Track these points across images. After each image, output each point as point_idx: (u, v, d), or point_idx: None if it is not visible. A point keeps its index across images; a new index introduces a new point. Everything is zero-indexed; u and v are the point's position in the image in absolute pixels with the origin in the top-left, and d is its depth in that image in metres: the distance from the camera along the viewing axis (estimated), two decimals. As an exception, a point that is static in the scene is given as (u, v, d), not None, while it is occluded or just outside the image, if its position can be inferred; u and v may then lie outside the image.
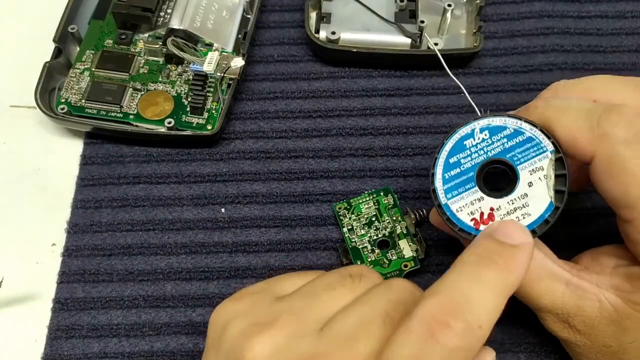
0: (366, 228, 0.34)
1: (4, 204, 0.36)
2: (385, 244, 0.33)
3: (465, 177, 0.25)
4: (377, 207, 0.34)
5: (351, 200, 0.35)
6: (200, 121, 0.37)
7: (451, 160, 0.25)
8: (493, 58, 0.40)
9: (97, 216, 0.35)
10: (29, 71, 0.38)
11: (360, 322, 0.23)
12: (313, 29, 0.40)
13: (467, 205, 0.25)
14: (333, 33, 0.39)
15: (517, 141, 0.25)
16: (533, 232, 0.25)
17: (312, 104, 0.39)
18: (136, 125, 0.37)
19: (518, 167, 0.25)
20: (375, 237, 0.33)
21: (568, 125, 0.25)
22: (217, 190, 0.36)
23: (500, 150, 0.25)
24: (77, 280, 0.33)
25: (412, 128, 0.38)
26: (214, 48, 0.38)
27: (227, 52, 0.38)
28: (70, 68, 0.38)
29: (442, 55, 0.39)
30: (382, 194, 0.35)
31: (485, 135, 0.25)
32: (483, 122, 0.26)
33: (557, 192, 0.25)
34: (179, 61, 0.38)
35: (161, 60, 0.38)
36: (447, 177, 0.25)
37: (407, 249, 0.33)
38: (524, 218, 0.25)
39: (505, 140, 0.25)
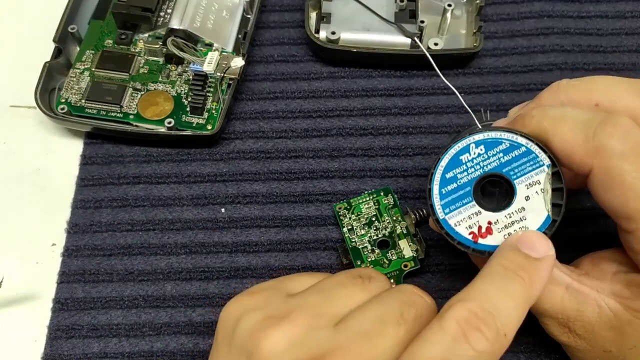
0: (366, 228, 0.34)
1: (4, 204, 0.36)
2: (385, 244, 0.33)
3: (462, 191, 0.25)
4: (377, 207, 0.34)
5: (351, 200, 0.35)
6: (200, 121, 0.37)
7: (447, 176, 0.25)
8: (493, 58, 0.40)
9: (97, 216, 0.35)
10: (29, 71, 0.38)
11: (376, 320, 0.24)
12: (313, 29, 0.40)
13: (464, 220, 0.25)
14: (333, 33, 0.39)
15: (513, 155, 0.25)
16: None
17: (312, 104, 0.39)
18: (136, 125, 0.37)
19: (515, 182, 0.25)
20: (375, 237, 0.33)
21: (564, 137, 0.24)
22: (217, 190, 0.36)
23: (496, 164, 0.25)
24: (77, 280, 0.33)
25: (412, 128, 0.38)
26: (214, 48, 0.38)
27: (227, 52, 0.38)
28: (70, 68, 0.38)
29: (442, 55, 0.39)
30: (382, 194, 0.35)
31: (481, 150, 0.25)
32: (478, 137, 0.25)
33: (554, 205, 0.25)
34: (179, 61, 0.38)
35: (161, 60, 0.38)
36: (444, 192, 0.25)
37: (407, 249, 0.33)
38: (521, 231, 0.25)
39: (501, 154, 0.25)
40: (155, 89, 0.38)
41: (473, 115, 0.28)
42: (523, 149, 0.25)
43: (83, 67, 0.38)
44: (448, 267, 0.33)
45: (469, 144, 0.25)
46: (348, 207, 0.35)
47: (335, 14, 0.40)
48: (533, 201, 0.25)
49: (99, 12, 0.40)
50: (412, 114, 0.38)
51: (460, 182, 0.25)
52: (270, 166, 0.37)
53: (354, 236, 0.33)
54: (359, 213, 0.34)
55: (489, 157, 0.25)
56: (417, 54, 0.39)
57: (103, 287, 0.33)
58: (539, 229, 0.25)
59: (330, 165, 0.37)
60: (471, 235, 0.25)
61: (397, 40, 0.39)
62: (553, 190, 0.25)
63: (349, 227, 0.34)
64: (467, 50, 0.39)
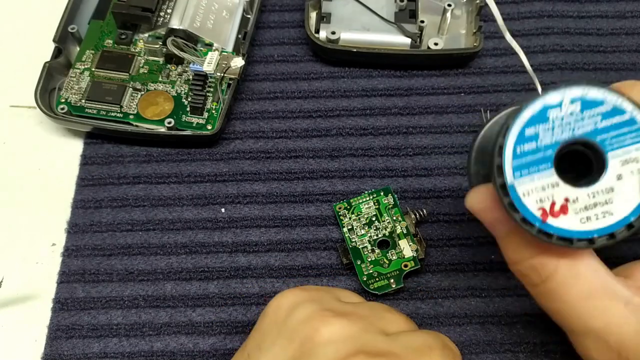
0: (366, 228, 0.34)
1: (4, 203, 0.36)
2: (385, 244, 0.33)
3: (542, 155, 0.21)
4: (377, 207, 0.34)
5: (351, 200, 0.35)
6: (200, 121, 0.37)
7: (527, 132, 0.21)
8: (493, 58, 0.40)
9: (97, 216, 0.35)
10: (29, 71, 0.38)
11: (424, 343, 0.25)
12: (313, 29, 0.40)
13: (536, 190, 0.20)
14: (333, 33, 0.39)
15: (614, 122, 0.21)
16: (612, 235, 0.21)
17: (312, 104, 0.39)
18: (136, 125, 0.37)
19: (608, 154, 0.21)
20: (375, 237, 0.33)
21: None
22: (217, 190, 0.36)
23: (590, 129, 0.21)
24: (77, 280, 0.33)
25: (412, 128, 0.38)
26: (214, 48, 0.38)
27: (227, 52, 0.38)
28: (70, 68, 0.38)
29: (442, 55, 0.39)
30: (382, 193, 0.35)
31: (576, 107, 0.21)
32: (576, 92, 0.21)
33: None
34: (179, 61, 0.38)
35: (161, 60, 0.38)
36: (519, 151, 0.21)
37: (407, 249, 0.33)
38: (603, 217, 0.20)
39: (599, 118, 0.21)
40: (155, 89, 0.38)
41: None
42: (627, 116, 0.21)
43: (83, 67, 0.38)
44: (448, 267, 0.33)
45: (562, 99, 0.21)
46: (348, 207, 0.35)
47: (335, 13, 0.40)
48: (626, 181, 0.20)
49: (99, 12, 0.40)
50: (412, 114, 0.38)
51: (541, 142, 0.21)
52: (270, 166, 0.37)
53: (354, 236, 0.33)
54: (359, 213, 0.34)
55: (583, 119, 0.21)
56: (417, 54, 0.39)
57: (103, 287, 0.33)
58: (625, 218, 0.20)
59: (330, 165, 0.37)
60: (540, 212, 0.20)
61: (397, 40, 0.39)
62: None
63: (349, 227, 0.34)
64: (467, 50, 0.39)
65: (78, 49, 0.39)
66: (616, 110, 0.20)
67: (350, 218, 0.34)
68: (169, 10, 0.40)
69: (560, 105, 0.21)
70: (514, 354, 0.31)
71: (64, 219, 0.35)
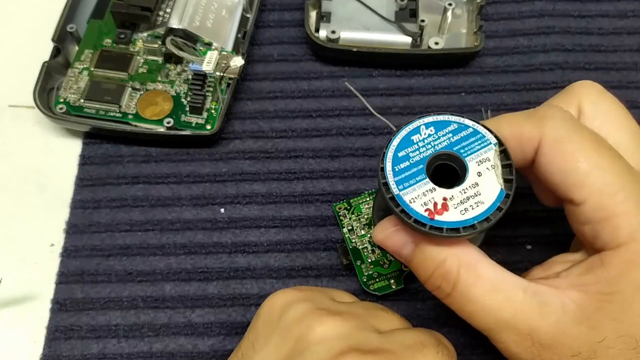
0: (366, 228, 0.34)
1: (3, 204, 0.36)
2: (386, 244, 0.33)
3: (415, 169, 0.25)
4: (377, 207, 0.34)
5: (351, 200, 0.35)
6: (200, 121, 0.36)
7: (400, 154, 0.26)
8: (494, 57, 0.40)
9: (96, 216, 0.35)
10: (27, 71, 0.38)
11: (418, 340, 0.25)
12: (313, 28, 0.39)
13: (419, 197, 0.25)
14: (333, 32, 0.39)
15: (462, 135, 0.26)
16: (487, 219, 0.24)
17: (312, 104, 0.39)
18: (135, 125, 0.36)
19: (466, 159, 0.25)
20: (375, 238, 0.33)
21: (510, 119, 0.26)
22: (217, 191, 0.36)
23: (447, 144, 0.26)
24: (75, 281, 0.33)
25: (413, 128, 0.38)
26: (213, 47, 0.38)
27: (226, 52, 0.38)
28: (69, 67, 0.38)
29: (443, 54, 0.39)
30: (382, 194, 0.35)
31: (431, 130, 0.26)
32: (428, 119, 0.27)
33: (505, 181, 0.25)
34: (178, 60, 0.38)
35: (160, 59, 0.38)
36: (397, 169, 0.25)
37: (407, 249, 0.33)
38: (477, 206, 0.25)
39: (450, 135, 0.26)
40: (154, 88, 0.37)
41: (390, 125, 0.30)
42: (470, 129, 0.26)
43: (82, 66, 0.38)
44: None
45: (420, 126, 0.26)
46: (348, 207, 0.34)
47: (335, 13, 0.40)
48: (485, 177, 0.25)
49: (97, 11, 0.40)
50: (412, 113, 0.38)
51: (412, 160, 0.26)
52: (270, 166, 0.37)
53: (354, 236, 0.33)
54: (359, 213, 0.34)
55: (439, 137, 0.26)
56: (417, 54, 0.39)
57: (102, 288, 0.33)
58: (493, 204, 0.24)
59: (330, 165, 0.36)
60: (427, 212, 0.25)
61: (397, 39, 0.39)
62: (502, 166, 0.25)
63: (349, 228, 0.34)
64: (468, 49, 0.39)
65: (77, 48, 0.39)
66: (461, 127, 0.26)
67: (350, 218, 0.34)
68: (168, 10, 0.39)
69: (419, 130, 0.26)
70: (515, 355, 0.31)
71: (63, 220, 0.35)
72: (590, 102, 0.27)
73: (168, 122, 0.36)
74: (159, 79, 0.38)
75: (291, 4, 0.42)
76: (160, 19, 0.39)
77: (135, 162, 0.37)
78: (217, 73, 0.36)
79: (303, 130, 0.38)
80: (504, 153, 0.25)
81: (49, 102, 0.37)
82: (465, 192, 0.25)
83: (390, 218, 0.26)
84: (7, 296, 0.33)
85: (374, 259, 0.33)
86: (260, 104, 0.39)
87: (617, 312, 0.23)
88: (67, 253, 0.34)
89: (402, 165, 0.25)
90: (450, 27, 0.40)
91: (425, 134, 0.26)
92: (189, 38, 0.37)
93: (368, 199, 0.35)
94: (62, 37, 0.38)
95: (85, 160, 0.37)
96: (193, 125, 0.36)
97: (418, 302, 0.32)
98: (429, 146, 0.26)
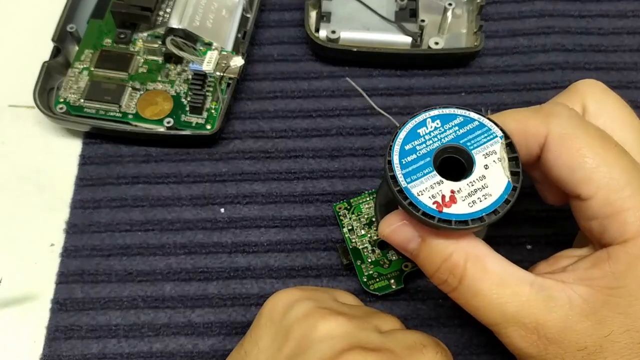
0: (366, 228, 0.34)
1: (3, 204, 0.36)
2: (386, 244, 0.33)
3: (423, 162, 0.25)
4: (377, 207, 0.34)
5: (351, 200, 0.35)
6: (200, 121, 0.36)
7: (406, 147, 0.26)
8: (494, 57, 0.40)
9: (96, 216, 0.35)
10: (27, 71, 0.38)
11: (417, 341, 0.26)
12: (313, 28, 0.39)
13: (427, 189, 0.25)
14: (333, 32, 0.39)
15: (468, 128, 0.26)
16: (495, 212, 0.24)
17: (312, 104, 0.39)
18: (135, 125, 0.36)
19: (472, 152, 0.25)
20: (375, 238, 0.33)
21: (516, 115, 0.26)
22: (217, 190, 0.36)
23: (453, 137, 0.26)
24: (75, 281, 0.33)
25: (413, 128, 0.38)
26: (213, 47, 0.38)
27: (226, 52, 0.38)
28: (69, 67, 0.38)
29: (443, 54, 0.39)
30: (382, 194, 0.35)
31: (437, 124, 0.26)
32: (434, 113, 0.27)
33: (512, 173, 0.25)
34: (178, 60, 0.38)
35: (160, 59, 0.38)
36: (404, 162, 0.25)
37: (407, 249, 0.33)
38: (485, 199, 0.25)
39: (456, 128, 0.26)
40: (154, 88, 0.37)
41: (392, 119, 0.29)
42: (476, 122, 0.26)
43: (82, 66, 0.38)
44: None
45: (426, 119, 0.26)
46: (348, 207, 0.34)
47: (335, 13, 0.40)
48: (492, 169, 0.25)
49: (97, 11, 0.40)
50: (412, 113, 0.38)
51: (419, 153, 0.25)
52: (270, 166, 0.37)
53: (354, 236, 0.33)
54: (359, 213, 0.34)
55: (445, 130, 0.26)
56: (417, 53, 0.39)
57: (102, 288, 0.33)
58: (501, 196, 0.25)
59: (330, 165, 0.36)
60: (435, 205, 0.24)
61: (397, 39, 0.39)
62: (509, 159, 0.25)
63: (349, 228, 0.34)
64: (468, 49, 0.39)
65: (77, 48, 0.39)
66: (467, 120, 0.26)
67: (350, 218, 0.34)
68: (168, 10, 0.39)
69: (425, 124, 0.26)
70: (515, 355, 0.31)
71: (63, 219, 0.35)
72: (594, 100, 0.27)
73: (168, 122, 0.36)
74: (159, 79, 0.38)
75: (291, 4, 0.42)
76: (160, 19, 0.39)
77: (135, 162, 0.37)
78: (217, 73, 0.36)
79: (303, 130, 0.38)
80: (510, 146, 0.25)
81: (49, 102, 0.37)
82: (472, 185, 0.25)
83: (396, 212, 0.26)
84: (7, 296, 0.33)
85: (374, 259, 0.33)
86: (260, 104, 0.39)
87: (623, 306, 0.23)
88: (67, 253, 0.34)
89: (409, 158, 0.25)
90: (450, 27, 0.40)
91: (431, 127, 0.26)
92: (189, 38, 0.37)
93: (368, 198, 0.35)
94: (62, 37, 0.38)
95: (85, 160, 0.37)
96: (193, 125, 0.36)
97: (418, 302, 0.32)
98: (436, 139, 0.26)
